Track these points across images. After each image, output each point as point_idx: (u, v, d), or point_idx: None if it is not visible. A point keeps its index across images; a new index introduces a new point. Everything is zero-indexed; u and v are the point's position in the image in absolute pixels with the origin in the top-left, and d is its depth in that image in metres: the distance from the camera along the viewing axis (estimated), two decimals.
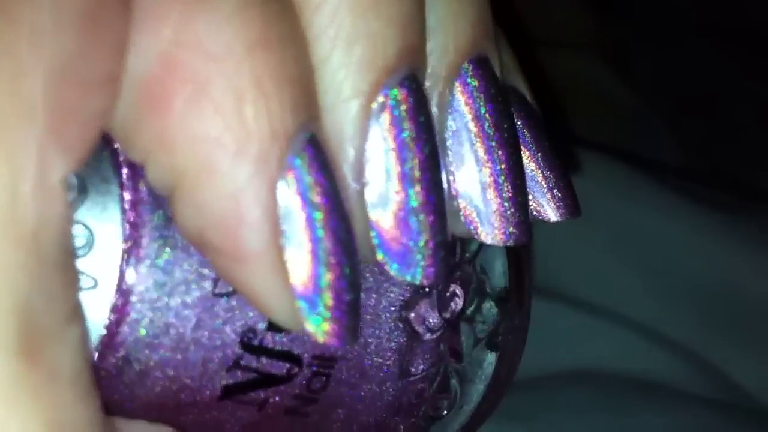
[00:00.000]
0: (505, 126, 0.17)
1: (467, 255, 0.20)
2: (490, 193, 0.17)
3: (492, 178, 0.17)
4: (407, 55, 0.15)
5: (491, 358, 0.21)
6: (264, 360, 0.17)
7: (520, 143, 0.18)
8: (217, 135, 0.14)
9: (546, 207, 0.19)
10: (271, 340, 0.17)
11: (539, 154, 0.18)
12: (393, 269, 0.16)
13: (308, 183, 0.14)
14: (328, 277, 0.15)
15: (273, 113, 0.14)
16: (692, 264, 0.40)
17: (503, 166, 0.17)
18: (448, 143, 0.17)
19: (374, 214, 0.15)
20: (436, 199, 0.16)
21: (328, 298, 0.15)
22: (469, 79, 0.16)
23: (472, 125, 0.16)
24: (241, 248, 0.14)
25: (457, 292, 0.19)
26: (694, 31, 0.55)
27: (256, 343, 0.17)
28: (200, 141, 0.14)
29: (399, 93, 0.15)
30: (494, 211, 0.17)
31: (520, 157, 0.17)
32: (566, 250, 0.40)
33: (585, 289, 0.40)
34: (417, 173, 0.15)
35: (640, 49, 0.54)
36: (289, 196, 0.14)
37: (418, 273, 0.16)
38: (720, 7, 0.56)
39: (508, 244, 0.17)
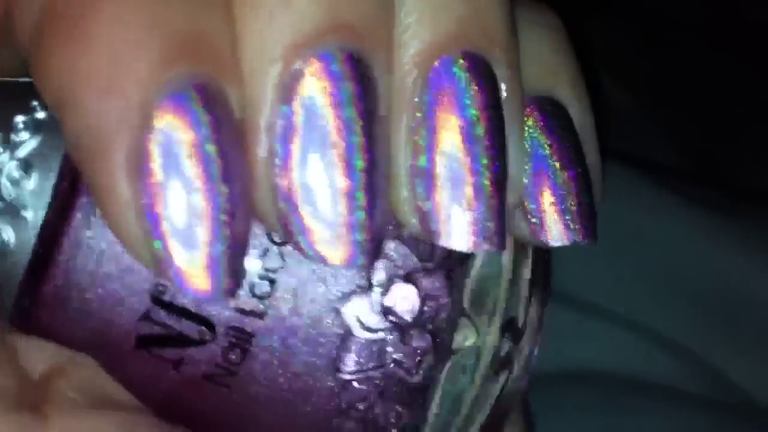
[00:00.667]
0: (486, 132, 0.16)
1: (453, 272, 0.19)
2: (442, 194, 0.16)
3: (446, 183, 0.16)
4: (334, 32, 0.15)
5: (462, 384, 0.19)
6: (174, 318, 0.18)
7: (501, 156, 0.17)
8: (88, 71, 0.14)
9: (550, 228, 0.18)
10: (182, 299, 0.18)
11: (557, 174, 0.18)
12: (303, 244, 0.16)
13: (176, 130, 0.15)
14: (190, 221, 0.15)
15: (147, 59, 0.14)
16: (691, 265, 0.40)
17: (472, 180, 0.16)
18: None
19: (282, 181, 0.15)
20: (344, 176, 0.15)
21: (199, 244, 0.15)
22: (443, 77, 0.16)
23: (441, 120, 0.16)
24: (103, 182, 0.15)
25: (411, 296, 0.18)
26: (693, 32, 0.55)
27: (166, 298, 0.18)
28: (72, 74, 0.15)
29: (317, 65, 0.15)
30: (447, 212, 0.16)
31: (498, 178, 0.17)
32: (564, 251, 0.39)
33: (583, 289, 0.39)
34: (334, 153, 0.15)
35: (637, 51, 0.54)
36: (156, 140, 0.15)
37: (331, 252, 0.16)
38: (718, 7, 0.55)
39: (473, 249, 0.17)
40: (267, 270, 0.18)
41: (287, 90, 0.15)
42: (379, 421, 0.19)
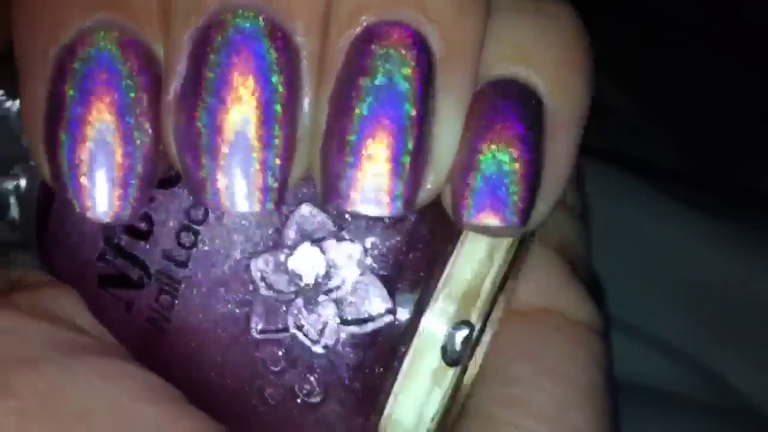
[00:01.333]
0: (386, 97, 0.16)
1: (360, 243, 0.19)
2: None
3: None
4: None
5: (354, 356, 0.19)
6: (121, 260, 0.20)
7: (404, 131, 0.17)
8: (29, 17, 0.17)
9: (466, 207, 0.17)
10: (126, 242, 0.20)
11: (492, 156, 0.17)
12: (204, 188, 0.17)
13: (91, 66, 0.17)
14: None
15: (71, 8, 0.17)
16: (690, 269, 0.40)
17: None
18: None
19: (185, 126, 0.17)
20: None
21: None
22: (360, 43, 0.16)
23: (362, 83, 0.16)
24: (25, 96, 0.17)
25: (315, 259, 0.18)
26: (692, 32, 0.54)
27: (115, 241, 0.20)
28: (14, 18, 0.18)
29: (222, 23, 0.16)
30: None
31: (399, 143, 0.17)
32: None
33: None
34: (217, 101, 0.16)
35: (636, 51, 0.54)
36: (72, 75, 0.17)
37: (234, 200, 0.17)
38: (718, 8, 0.55)
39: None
40: (192, 221, 0.19)
41: (202, 38, 0.16)
42: (296, 389, 0.19)
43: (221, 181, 0.16)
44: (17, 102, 0.21)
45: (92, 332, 0.20)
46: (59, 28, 0.17)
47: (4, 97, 0.21)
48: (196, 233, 0.19)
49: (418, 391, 0.19)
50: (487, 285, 0.19)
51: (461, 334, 0.19)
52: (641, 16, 0.56)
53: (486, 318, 0.20)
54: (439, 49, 0.17)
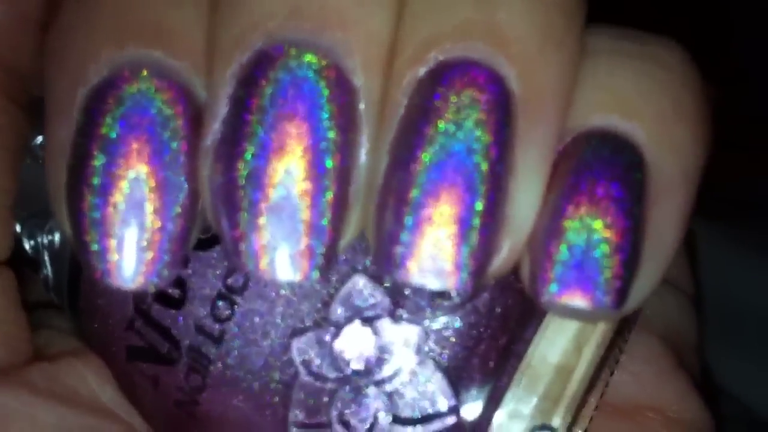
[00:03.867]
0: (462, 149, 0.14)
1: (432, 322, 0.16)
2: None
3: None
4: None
5: None
6: (150, 330, 0.17)
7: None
8: (55, 51, 0.16)
9: (547, 283, 0.15)
10: (156, 311, 0.17)
11: (581, 224, 0.14)
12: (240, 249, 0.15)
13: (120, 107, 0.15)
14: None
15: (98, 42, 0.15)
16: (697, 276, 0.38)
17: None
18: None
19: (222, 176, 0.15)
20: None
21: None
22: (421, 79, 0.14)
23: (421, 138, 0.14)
24: (49, 131, 0.16)
25: (365, 341, 0.16)
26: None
27: (144, 307, 0.17)
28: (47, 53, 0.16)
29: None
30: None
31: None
32: None
33: None
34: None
35: None
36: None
37: (242, 259, 0.14)
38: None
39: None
40: (229, 290, 0.17)
41: (245, 77, 0.14)
42: None
43: (260, 243, 0.14)
44: None
45: (117, 410, 0.19)
46: (88, 65, 0.15)
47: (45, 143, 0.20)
48: (233, 304, 0.17)
49: None
50: (574, 382, 0.17)
51: None
52: (637, 22, 0.56)
53: (572, 422, 0.17)
54: (519, 92, 0.14)
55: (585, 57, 0.15)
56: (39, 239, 0.20)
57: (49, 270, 0.20)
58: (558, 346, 0.16)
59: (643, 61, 0.15)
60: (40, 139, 0.19)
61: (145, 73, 0.15)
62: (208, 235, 0.17)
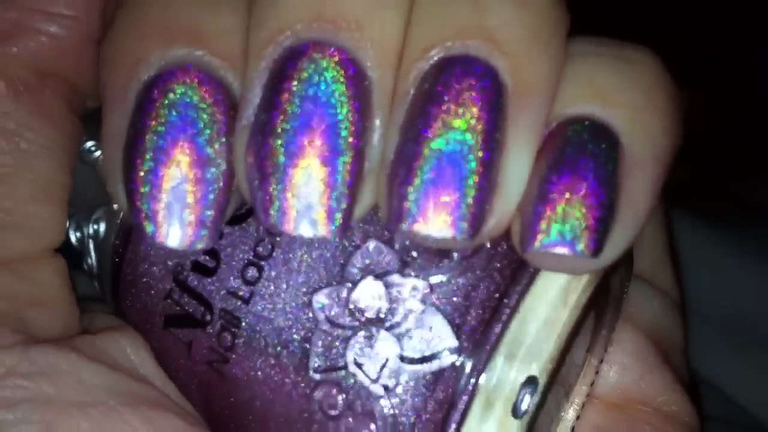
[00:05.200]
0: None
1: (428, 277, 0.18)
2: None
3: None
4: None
5: (414, 397, 0.18)
6: (187, 297, 0.20)
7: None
8: (107, 54, 0.19)
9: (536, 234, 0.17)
10: (192, 281, 0.20)
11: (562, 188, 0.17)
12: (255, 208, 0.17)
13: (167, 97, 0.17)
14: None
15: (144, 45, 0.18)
16: (688, 278, 0.37)
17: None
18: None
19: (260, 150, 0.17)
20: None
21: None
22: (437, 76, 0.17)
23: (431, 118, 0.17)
24: (106, 123, 0.18)
25: (378, 294, 0.18)
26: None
27: (181, 278, 0.20)
28: (101, 56, 0.19)
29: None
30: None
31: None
32: None
33: None
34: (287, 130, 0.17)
35: None
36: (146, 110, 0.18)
37: (270, 214, 0.17)
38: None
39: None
40: (258, 257, 0.19)
41: (276, 68, 0.17)
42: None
43: (288, 202, 0.17)
44: None
45: (153, 380, 0.20)
46: (140, 64, 0.18)
47: (94, 147, 0.22)
48: (260, 269, 0.19)
49: None
50: (556, 335, 0.18)
51: (528, 383, 0.18)
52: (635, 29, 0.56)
53: (558, 366, 0.18)
54: (510, 82, 0.17)
55: (570, 58, 0.17)
56: (85, 230, 0.22)
57: (93, 258, 0.22)
58: (546, 299, 0.18)
59: (619, 61, 0.18)
60: (88, 144, 0.22)
61: (189, 69, 0.17)
62: (240, 212, 0.19)
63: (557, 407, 0.21)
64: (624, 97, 0.17)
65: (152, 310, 0.20)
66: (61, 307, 0.21)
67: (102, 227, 0.22)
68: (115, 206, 0.22)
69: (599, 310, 0.21)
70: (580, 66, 0.17)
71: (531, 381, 0.18)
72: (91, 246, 0.22)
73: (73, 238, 0.22)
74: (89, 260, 0.22)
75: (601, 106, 0.17)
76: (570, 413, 0.21)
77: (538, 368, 0.18)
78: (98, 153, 0.22)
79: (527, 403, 0.18)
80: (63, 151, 0.20)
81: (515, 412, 0.18)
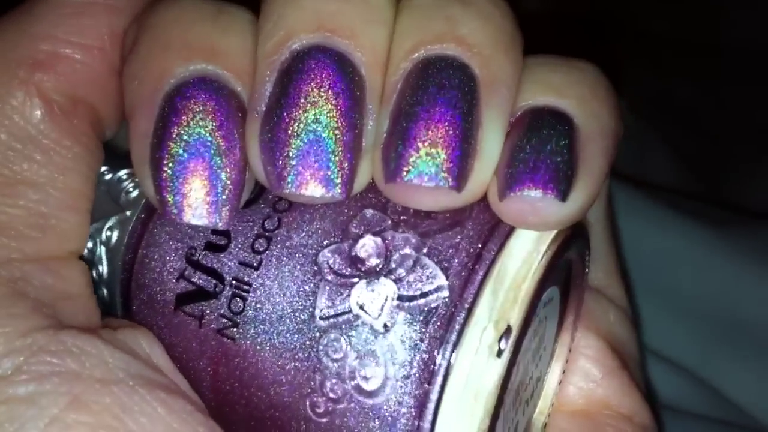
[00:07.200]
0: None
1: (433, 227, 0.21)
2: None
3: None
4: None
5: (411, 331, 0.21)
6: (199, 273, 0.22)
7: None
8: (130, 72, 0.22)
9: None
10: (204, 258, 0.22)
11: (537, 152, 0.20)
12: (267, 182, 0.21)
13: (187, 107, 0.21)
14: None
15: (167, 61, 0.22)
16: (690, 282, 0.41)
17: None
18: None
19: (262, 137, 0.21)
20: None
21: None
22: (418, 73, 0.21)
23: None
24: (132, 127, 0.22)
25: (380, 248, 0.21)
26: (693, 53, 0.55)
27: (194, 258, 0.22)
28: (124, 72, 0.22)
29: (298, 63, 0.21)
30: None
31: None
32: None
33: None
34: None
35: (637, 72, 0.55)
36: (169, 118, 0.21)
37: (287, 184, 0.20)
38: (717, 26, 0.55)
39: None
40: (266, 230, 0.22)
41: (285, 68, 0.21)
42: (356, 373, 0.20)
43: (301, 171, 0.20)
44: (116, 174, 0.25)
45: (168, 375, 0.23)
46: (164, 77, 0.21)
47: (106, 171, 0.25)
48: (269, 239, 0.22)
49: (471, 370, 0.20)
50: (528, 284, 0.21)
51: (502, 322, 0.21)
52: (635, 36, 0.56)
53: (524, 323, 0.21)
54: (479, 75, 0.21)
55: (527, 67, 0.22)
56: (97, 239, 0.24)
57: (104, 262, 0.24)
58: (521, 248, 0.21)
59: (568, 67, 0.22)
60: (102, 168, 0.25)
61: (205, 80, 0.21)
62: (249, 198, 0.22)
63: (539, 357, 0.24)
64: (574, 90, 0.21)
65: (164, 294, 0.23)
66: (85, 302, 0.23)
67: (115, 234, 0.24)
68: (128, 213, 0.24)
69: (566, 276, 0.24)
70: (536, 71, 0.22)
71: (508, 325, 0.21)
72: (103, 251, 0.24)
73: (84, 250, 0.24)
74: (99, 268, 0.25)
75: (555, 97, 0.21)
76: (556, 371, 0.25)
77: (516, 309, 0.21)
78: (109, 176, 0.25)
79: (505, 343, 0.20)
80: (88, 168, 0.23)
81: (499, 352, 0.20)
